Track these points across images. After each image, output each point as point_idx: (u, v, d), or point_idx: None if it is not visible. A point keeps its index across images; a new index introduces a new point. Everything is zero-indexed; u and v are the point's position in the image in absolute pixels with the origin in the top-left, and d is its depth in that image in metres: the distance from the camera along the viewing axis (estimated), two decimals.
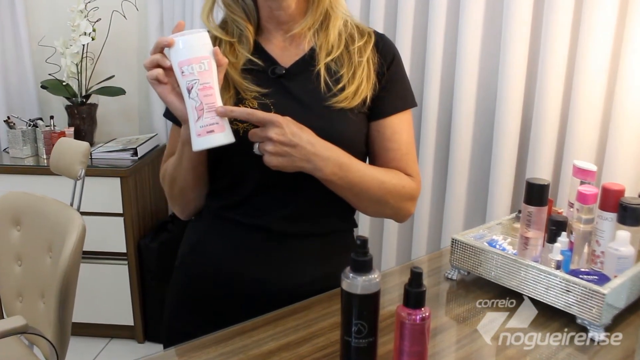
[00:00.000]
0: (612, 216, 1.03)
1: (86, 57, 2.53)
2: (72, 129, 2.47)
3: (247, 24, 1.05)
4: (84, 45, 2.47)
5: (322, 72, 1.01)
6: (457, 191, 1.59)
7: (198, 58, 0.88)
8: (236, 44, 1.05)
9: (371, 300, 0.73)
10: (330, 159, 0.94)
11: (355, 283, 0.72)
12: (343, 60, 1.03)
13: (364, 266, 0.72)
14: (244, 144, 0.96)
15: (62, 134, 2.41)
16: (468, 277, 1.12)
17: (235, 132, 0.94)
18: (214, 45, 1.01)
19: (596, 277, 0.96)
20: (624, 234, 0.98)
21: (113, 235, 2.33)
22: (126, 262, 2.36)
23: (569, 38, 1.39)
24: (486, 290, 1.06)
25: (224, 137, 0.89)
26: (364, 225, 1.85)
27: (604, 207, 1.04)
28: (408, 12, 1.64)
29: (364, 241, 0.73)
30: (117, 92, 2.56)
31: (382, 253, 1.81)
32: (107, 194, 2.29)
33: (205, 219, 1.11)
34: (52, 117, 2.51)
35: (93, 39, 2.48)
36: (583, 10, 1.35)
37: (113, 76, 2.61)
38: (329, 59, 1.02)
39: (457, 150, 1.59)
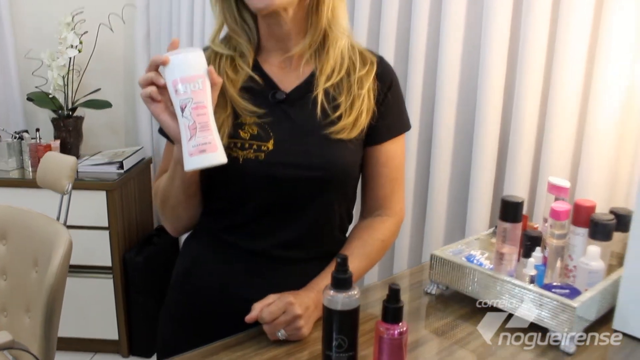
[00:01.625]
0: (584, 231, 1.07)
1: (73, 69, 2.54)
2: (58, 142, 2.48)
3: (248, 45, 1.05)
4: (70, 58, 2.49)
5: (320, 97, 1.01)
6: (437, 207, 1.63)
7: (192, 77, 0.87)
8: (237, 58, 1.04)
9: (351, 316, 0.76)
10: (318, 303, 0.96)
11: (335, 299, 0.75)
12: (342, 88, 1.03)
13: (344, 283, 0.76)
14: (242, 171, 0.98)
15: (48, 146, 2.42)
16: (447, 291, 1.15)
17: (235, 160, 0.96)
18: (215, 61, 1.02)
19: (568, 290, 1.00)
20: (595, 248, 1.02)
21: (98, 249, 2.33)
22: (111, 275, 2.37)
23: (544, 62, 1.44)
24: (464, 304, 1.09)
25: (216, 157, 0.88)
26: None
27: (576, 222, 1.09)
28: (390, 34, 1.70)
29: (344, 259, 0.76)
30: (104, 105, 2.58)
31: None
32: (93, 207, 2.30)
33: (202, 239, 1.11)
34: (37, 130, 2.52)
35: (80, 52, 2.49)
36: (557, 36, 1.40)
37: (99, 89, 2.64)
38: (328, 83, 1.02)
39: (438, 167, 1.62)
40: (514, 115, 1.46)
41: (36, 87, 2.58)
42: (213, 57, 1.05)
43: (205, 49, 0.99)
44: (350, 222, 1.14)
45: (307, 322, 0.94)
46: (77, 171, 2.32)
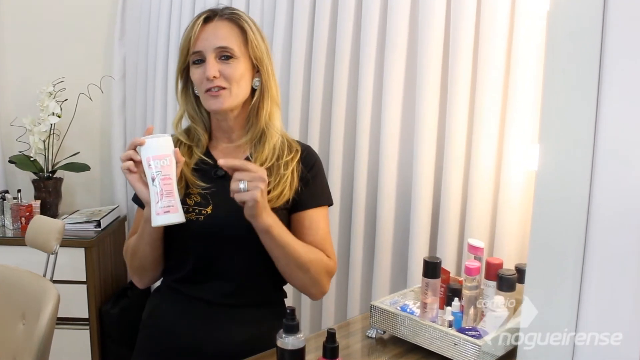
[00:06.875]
0: (493, 284, 1.32)
1: (53, 134, 2.73)
2: (38, 202, 2.64)
3: (203, 132, 1.35)
4: (52, 124, 2.69)
5: None
6: (383, 262, 1.87)
7: (162, 155, 1.15)
8: (194, 148, 1.34)
9: (298, 354, 0.98)
10: (271, 215, 1.19)
11: (286, 341, 0.98)
12: (272, 170, 1.28)
13: (293, 329, 0.98)
14: (185, 229, 1.21)
15: (30, 207, 2.58)
16: (385, 335, 1.38)
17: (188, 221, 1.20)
18: (177, 146, 1.28)
19: (478, 332, 1.24)
20: (499, 298, 1.27)
21: (76, 302, 2.47)
22: (88, 327, 2.50)
23: (464, 152, 1.73)
24: (398, 345, 1.32)
25: (177, 217, 1.14)
26: None
27: (487, 276, 1.34)
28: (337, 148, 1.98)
29: (293, 310, 0.99)
30: (83, 168, 2.76)
31: (322, 313, 2.06)
32: (72, 263, 2.44)
33: (162, 290, 1.37)
34: (19, 191, 2.68)
35: (59, 117, 2.68)
36: (474, 121, 1.69)
37: (78, 152, 2.83)
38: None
39: (382, 232, 1.87)
40: (443, 190, 1.73)
41: (19, 151, 2.75)
42: (177, 142, 1.32)
43: (172, 135, 1.26)
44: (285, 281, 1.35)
45: (263, 195, 1.14)
46: None
